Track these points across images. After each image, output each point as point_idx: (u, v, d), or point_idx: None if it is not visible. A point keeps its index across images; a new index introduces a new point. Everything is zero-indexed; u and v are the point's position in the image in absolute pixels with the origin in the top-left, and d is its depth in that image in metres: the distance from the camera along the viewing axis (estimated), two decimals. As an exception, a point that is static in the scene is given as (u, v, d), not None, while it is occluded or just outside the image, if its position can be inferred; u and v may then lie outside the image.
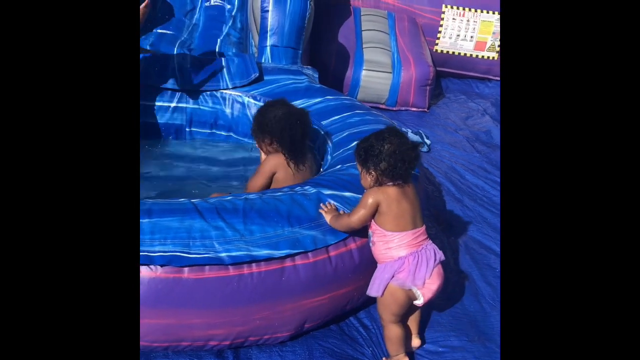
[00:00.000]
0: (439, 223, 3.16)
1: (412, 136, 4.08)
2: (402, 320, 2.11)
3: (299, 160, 2.56)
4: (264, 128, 2.58)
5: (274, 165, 2.54)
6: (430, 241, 2.08)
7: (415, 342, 2.19)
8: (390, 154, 1.97)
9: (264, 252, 1.96)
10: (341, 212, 2.17)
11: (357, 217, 2.04)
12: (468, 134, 4.42)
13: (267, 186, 2.55)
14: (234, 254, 1.93)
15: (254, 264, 1.96)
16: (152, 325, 1.93)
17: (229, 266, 1.93)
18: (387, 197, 1.99)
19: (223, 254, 1.92)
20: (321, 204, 2.19)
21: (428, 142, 4.12)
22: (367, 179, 2.04)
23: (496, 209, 3.36)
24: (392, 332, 2.08)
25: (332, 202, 2.21)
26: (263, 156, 2.69)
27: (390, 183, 2.00)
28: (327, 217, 2.14)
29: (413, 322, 2.20)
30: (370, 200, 2.00)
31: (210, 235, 1.96)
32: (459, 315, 2.46)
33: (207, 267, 1.91)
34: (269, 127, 2.56)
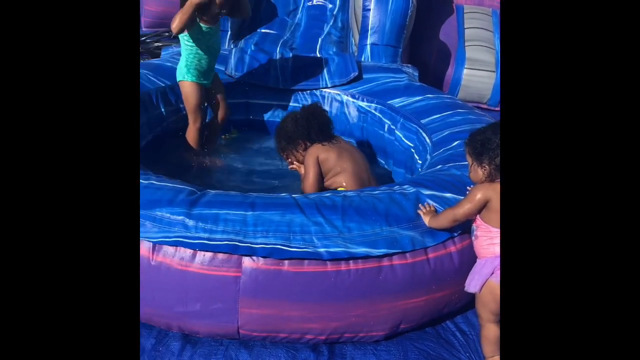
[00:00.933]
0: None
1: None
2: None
3: (334, 140, 2.80)
4: (291, 137, 2.80)
5: (314, 154, 2.72)
6: None
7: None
8: None
9: (362, 250, 1.97)
10: (434, 210, 2.13)
11: (463, 210, 1.99)
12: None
13: (321, 177, 2.72)
14: (332, 249, 1.96)
15: (351, 261, 1.97)
16: (251, 315, 2.00)
17: (327, 262, 1.95)
18: (497, 193, 1.91)
19: (322, 249, 1.95)
20: (420, 205, 2.16)
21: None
22: (478, 173, 1.96)
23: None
24: (491, 331, 2.01)
25: (431, 202, 2.17)
26: (296, 165, 2.90)
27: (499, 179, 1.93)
28: (426, 219, 2.11)
29: (491, 344, 2.06)
30: (479, 195, 1.94)
31: (309, 230, 1.99)
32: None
33: (306, 261, 1.95)
34: (293, 134, 2.79)
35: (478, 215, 2.00)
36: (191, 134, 3.21)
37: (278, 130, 2.92)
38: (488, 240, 1.96)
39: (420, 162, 2.98)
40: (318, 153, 2.72)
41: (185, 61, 3.09)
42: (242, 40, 4.14)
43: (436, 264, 2.05)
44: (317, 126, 2.79)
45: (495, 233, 1.94)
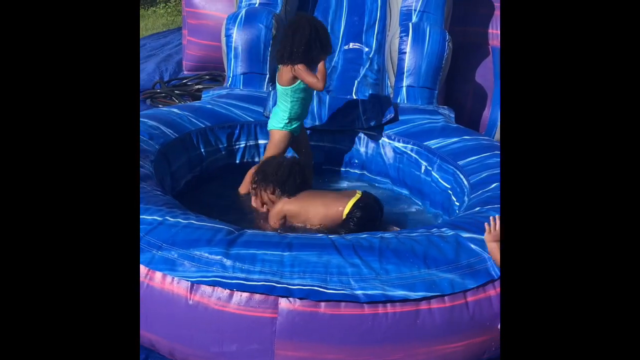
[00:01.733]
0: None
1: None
2: None
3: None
4: (266, 179, 2.88)
5: (281, 210, 2.87)
6: None
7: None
8: None
9: (400, 293, 1.95)
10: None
11: None
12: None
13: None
14: (369, 292, 1.94)
15: (389, 304, 1.94)
16: (287, 357, 1.99)
17: (364, 304, 1.94)
18: None
19: (359, 292, 1.94)
20: (490, 217, 1.93)
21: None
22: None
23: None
24: None
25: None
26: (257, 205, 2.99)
27: None
28: (488, 237, 1.88)
29: None
30: None
31: (346, 272, 1.99)
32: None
33: (343, 304, 1.94)
34: (271, 177, 2.86)
35: None
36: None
37: (260, 165, 3.02)
38: None
39: (457, 204, 2.95)
40: (286, 209, 2.83)
41: (284, 111, 3.22)
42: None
43: (475, 308, 2.00)
44: (294, 182, 2.85)
45: None
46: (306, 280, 1.96)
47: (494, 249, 1.86)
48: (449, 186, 3.13)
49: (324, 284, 1.95)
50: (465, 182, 2.91)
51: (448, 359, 2.05)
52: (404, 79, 4.00)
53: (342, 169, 3.72)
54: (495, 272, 2.06)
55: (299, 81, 3.12)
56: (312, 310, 1.94)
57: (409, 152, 3.47)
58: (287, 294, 1.94)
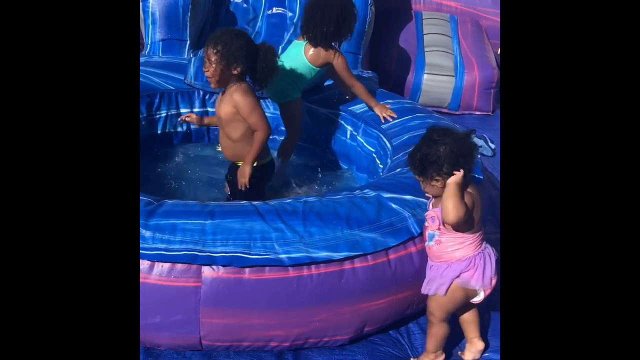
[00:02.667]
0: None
1: (476, 140, 3.97)
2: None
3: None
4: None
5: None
6: (485, 241, 2.04)
7: (479, 344, 2.13)
8: (449, 154, 1.84)
9: (323, 254, 1.97)
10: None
11: (464, 213, 1.85)
12: (535, 138, 4.26)
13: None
14: (293, 255, 1.95)
15: (313, 266, 1.96)
16: (213, 325, 1.98)
17: (289, 267, 1.95)
18: (472, 199, 1.91)
19: (283, 256, 1.94)
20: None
21: (492, 146, 4.00)
22: (435, 186, 1.90)
23: (566, 214, 3.21)
24: (441, 329, 2.04)
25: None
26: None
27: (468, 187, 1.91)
28: (452, 181, 1.84)
29: (472, 325, 2.13)
30: (468, 201, 1.87)
31: (270, 237, 1.98)
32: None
33: (267, 268, 1.94)
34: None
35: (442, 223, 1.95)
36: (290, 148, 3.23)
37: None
38: (454, 246, 1.94)
39: (381, 166, 3.00)
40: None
41: (302, 83, 3.08)
42: (202, 49, 4.11)
43: (397, 265, 2.06)
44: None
45: (466, 238, 1.94)
46: (229, 248, 1.94)
47: (454, 189, 1.84)
48: (373, 150, 3.17)
49: (247, 250, 1.94)
50: (388, 145, 2.96)
51: (373, 316, 2.11)
52: (328, 43, 3.97)
53: (271, 136, 3.67)
54: (415, 229, 2.11)
55: (327, 66, 3.00)
56: (237, 276, 1.93)
57: (334, 117, 3.47)
58: (210, 262, 1.91)
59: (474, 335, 2.14)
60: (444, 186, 1.87)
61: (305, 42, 3.02)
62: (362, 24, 3.96)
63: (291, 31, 4.30)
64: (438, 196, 1.93)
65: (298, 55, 3.06)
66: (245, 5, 4.43)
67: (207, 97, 3.51)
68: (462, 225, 1.91)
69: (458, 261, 1.95)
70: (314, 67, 3.05)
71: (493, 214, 3.15)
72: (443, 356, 2.09)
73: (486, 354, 2.18)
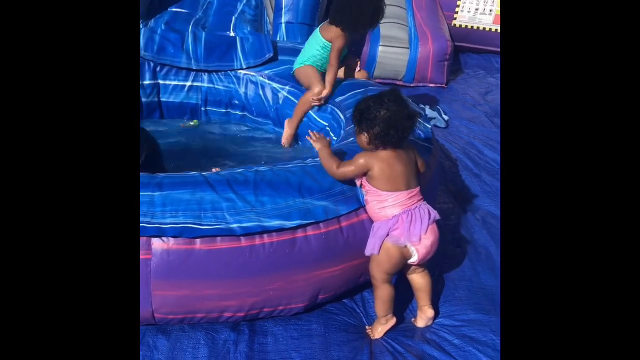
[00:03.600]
0: (456, 198, 3.11)
1: (429, 112, 4.02)
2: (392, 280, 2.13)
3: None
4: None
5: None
6: (425, 202, 2.08)
7: (429, 312, 2.18)
8: (385, 120, 1.98)
9: (275, 223, 1.96)
10: (329, 149, 2.15)
11: (343, 171, 2.07)
12: (487, 109, 4.34)
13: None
14: (245, 224, 1.93)
15: (265, 235, 1.95)
16: (166, 297, 1.95)
17: (241, 237, 1.93)
18: (379, 161, 2.02)
19: (234, 225, 1.93)
20: (310, 131, 2.24)
21: (446, 118, 4.06)
22: (361, 139, 2.07)
23: (515, 183, 3.30)
24: (385, 291, 2.08)
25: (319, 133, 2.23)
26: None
27: (382, 147, 2.02)
28: (317, 146, 2.16)
29: (423, 292, 2.18)
30: (361, 161, 2.03)
31: (221, 207, 1.96)
32: (475, 289, 2.43)
33: (218, 238, 1.92)
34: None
35: (365, 180, 2.07)
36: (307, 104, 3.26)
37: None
38: (379, 204, 2.03)
39: (335, 138, 3.00)
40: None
41: (305, 51, 3.27)
42: (152, 20, 3.98)
43: (349, 233, 2.07)
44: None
45: (385, 196, 2.01)
46: (179, 219, 1.91)
47: (321, 154, 2.13)
48: (326, 123, 3.17)
49: (198, 220, 1.91)
50: (342, 117, 2.96)
51: (327, 284, 2.13)
52: (283, 15, 3.93)
53: (223, 110, 3.62)
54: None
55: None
56: (187, 247, 1.90)
57: (285, 94, 3.44)
58: (160, 233, 1.88)
59: (424, 303, 2.19)
60: (369, 142, 2.03)
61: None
62: (317, -5, 3.92)
63: (244, 1, 4.22)
64: (364, 149, 2.08)
65: (316, 31, 3.25)
66: (196, -25, 4.31)
67: (157, 69, 3.42)
68: (382, 184, 2.01)
69: (386, 219, 2.01)
70: (322, 39, 3.16)
71: (446, 185, 3.21)
72: (394, 320, 2.13)
73: (438, 320, 2.24)
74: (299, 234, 1.99)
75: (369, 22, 3.08)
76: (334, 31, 3.10)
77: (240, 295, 2.00)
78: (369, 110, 2.01)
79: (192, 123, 3.58)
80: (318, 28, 3.24)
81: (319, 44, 3.20)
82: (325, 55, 3.19)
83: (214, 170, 2.27)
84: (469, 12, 5.18)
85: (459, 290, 2.41)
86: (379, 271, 2.05)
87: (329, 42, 3.14)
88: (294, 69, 3.35)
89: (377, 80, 4.13)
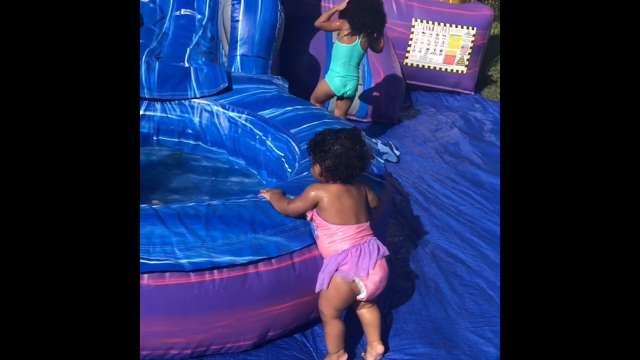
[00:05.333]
0: (406, 231, 3.17)
1: (381, 147, 4.11)
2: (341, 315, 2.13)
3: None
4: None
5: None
6: (375, 237, 2.11)
7: (379, 348, 2.18)
8: (337, 155, 2.02)
9: (226, 259, 1.94)
10: (281, 191, 2.22)
11: (294, 206, 2.10)
12: (437, 146, 4.47)
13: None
14: (195, 260, 1.90)
15: (215, 271, 1.92)
16: (110, 334, 1.88)
17: (190, 273, 1.89)
18: (329, 194, 2.05)
19: (184, 261, 1.89)
20: (260, 190, 2.27)
21: (397, 153, 4.15)
22: (314, 169, 2.11)
23: (463, 218, 3.39)
24: (334, 327, 2.08)
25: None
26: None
27: (332, 181, 2.06)
28: (267, 195, 2.20)
29: (373, 327, 2.18)
30: (311, 193, 2.06)
31: (171, 242, 1.92)
32: (424, 323, 2.46)
33: (167, 274, 1.88)
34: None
35: (315, 214, 2.09)
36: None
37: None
38: (329, 238, 2.05)
39: (290, 170, 3.02)
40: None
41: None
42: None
43: (301, 269, 2.07)
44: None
45: (334, 229, 2.03)
46: (127, 253, 1.85)
47: (271, 198, 2.18)
48: (282, 154, 3.19)
49: (146, 255, 1.87)
50: (297, 149, 2.98)
51: (277, 321, 2.10)
52: (238, 47, 3.96)
53: (176, 139, 3.59)
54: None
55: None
56: (134, 283, 1.85)
57: (243, 121, 3.45)
58: (106, 268, 1.82)
59: (373, 339, 2.19)
60: (321, 174, 2.08)
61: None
62: (272, 29, 3.98)
63: (200, 33, 4.23)
64: (316, 180, 2.13)
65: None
66: (152, 5, 4.30)
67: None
68: (331, 217, 2.03)
69: (335, 254, 2.03)
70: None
71: (397, 218, 3.27)
72: (345, 356, 2.12)
73: (388, 354, 2.24)
74: (251, 270, 1.97)
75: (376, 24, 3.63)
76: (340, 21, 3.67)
77: (188, 332, 1.95)
78: (324, 142, 2.06)
79: (177, 155, 3.53)
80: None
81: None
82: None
83: (153, 203, 2.24)
84: (420, 51, 5.37)
85: (408, 324, 2.43)
86: (328, 307, 2.05)
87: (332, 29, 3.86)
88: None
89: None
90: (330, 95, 3.85)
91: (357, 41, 3.64)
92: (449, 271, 2.84)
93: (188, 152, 3.59)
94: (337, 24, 3.67)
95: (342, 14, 3.66)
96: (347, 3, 3.60)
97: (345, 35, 3.64)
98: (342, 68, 3.71)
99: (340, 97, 3.82)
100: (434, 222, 3.30)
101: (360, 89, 4.64)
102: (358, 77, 3.81)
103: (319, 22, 3.71)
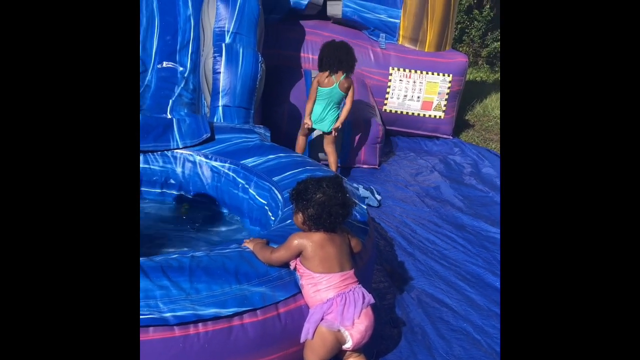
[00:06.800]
0: (391, 277, 3.17)
1: (363, 192, 4.15)
2: None
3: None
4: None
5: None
6: (360, 285, 2.11)
7: (367, 398, 2.14)
8: (320, 204, 2.05)
9: (211, 311, 1.91)
10: (264, 241, 2.21)
11: (278, 256, 2.10)
12: (418, 190, 4.53)
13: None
14: (179, 313, 1.87)
15: (200, 324, 1.89)
16: (91, 394, 1.82)
17: (174, 326, 1.86)
18: (312, 242, 2.06)
19: (168, 314, 1.86)
20: (244, 240, 2.26)
21: (379, 197, 4.19)
22: (297, 218, 2.13)
23: (447, 262, 3.40)
24: None
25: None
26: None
27: (315, 229, 2.08)
28: (250, 245, 2.19)
29: None
30: (294, 242, 2.07)
31: (154, 295, 1.90)
32: (413, 370, 2.43)
33: (151, 328, 1.84)
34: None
35: (299, 264, 2.09)
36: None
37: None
38: (313, 287, 2.04)
39: (273, 218, 3.02)
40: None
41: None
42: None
43: (287, 319, 2.05)
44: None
45: (319, 278, 2.03)
46: (109, 308, 1.82)
47: (254, 248, 2.17)
48: (265, 202, 3.20)
49: (129, 310, 1.84)
50: (280, 197, 3.00)
51: (264, 373, 2.06)
52: (220, 98, 4.02)
53: (158, 190, 3.58)
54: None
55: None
56: (117, 339, 1.81)
57: (226, 170, 3.47)
58: (87, 325, 1.78)
59: None
60: (304, 223, 2.09)
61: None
62: (254, 80, 4.07)
63: (182, 85, 4.30)
64: (299, 229, 2.14)
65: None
66: (134, 58, 4.37)
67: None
68: (315, 265, 2.03)
69: (320, 303, 2.02)
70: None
71: (381, 264, 3.27)
72: None
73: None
74: (235, 322, 1.95)
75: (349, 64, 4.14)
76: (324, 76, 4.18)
77: (173, 389, 1.90)
78: (306, 191, 2.08)
79: (186, 207, 3.51)
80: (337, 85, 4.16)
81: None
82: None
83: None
84: (398, 98, 5.51)
85: (396, 373, 2.40)
86: (313, 357, 2.02)
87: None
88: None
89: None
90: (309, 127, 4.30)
91: (335, 84, 4.13)
92: (436, 316, 2.83)
93: (170, 202, 3.58)
94: (315, 82, 4.20)
95: (319, 65, 4.19)
96: (320, 54, 4.18)
97: (325, 78, 4.14)
98: (320, 107, 4.20)
99: (328, 132, 4.27)
100: (419, 267, 3.31)
101: (341, 136, 4.72)
102: (337, 115, 4.23)
103: (307, 106, 4.29)
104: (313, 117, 4.24)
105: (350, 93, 4.19)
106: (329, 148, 4.33)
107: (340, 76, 4.13)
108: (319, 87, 4.18)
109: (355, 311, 2.00)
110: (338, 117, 4.22)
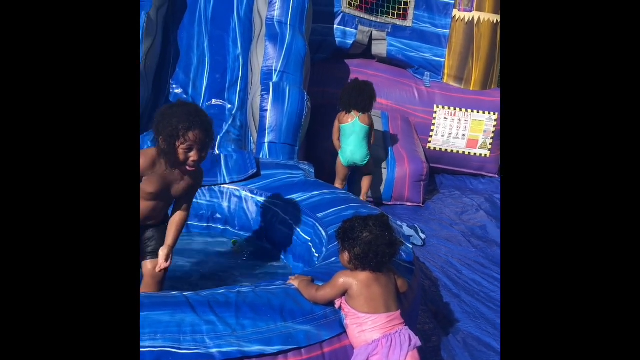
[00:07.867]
0: (437, 319, 3.09)
1: (407, 230, 4.10)
2: None
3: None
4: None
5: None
6: (407, 327, 2.06)
7: None
8: (367, 243, 2.03)
9: (256, 348, 1.90)
10: (309, 278, 2.20)
11: (323, 294, 2.08)
12: (463, 229, 4.45)
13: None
14: (225, 349, 1.87)
15: (245, 361, 1.89)
16: None
17: (220, 363, 1.86)
18: (358, 281, 2.03)
19: (214, 350, 1.87)
20: (289, 277, 2.25)
21: (423, 236, 4.13)
22: (343, 257, 2.11)
23: (494, 304, 3.30)
24: None
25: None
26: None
27: (361, 269, 2.05)
28: (296, 282, 2.18)
29: None
30: (340, 281, 2.05)
31: (201, 330, 1.91)
32: (460, 418, 2.34)
33: (197, 364, 1.85)
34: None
35: (344, 303, 2.06)
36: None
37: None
38: (359, 328, 2.00)
39: (317, 255, 3.02)
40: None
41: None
42: (140, 137, 4.12)
43: (331, 359, 2.02)
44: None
45: (364, 318, 1.99)
46: (157, 342, 1.84)
47: (299, 286, 2.15)
48: (309, 238, 3.20)
49: (176, 344, 1.85)
50: (324, 234, 3.00)
51: (307, 413, 2.02)
52: (266, 135, 4.11)
53: (204, 224, 3.65)
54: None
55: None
56: (164, 373, 1.82)
57: (271, 206, 3.51)
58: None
59: None
60: (349, 262, 2.07)
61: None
62: (299, 118, 4.14)
63: (230, 122, 4.41)
64: (345, 267, 2.11)
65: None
66: (185, 96, 4.53)
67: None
68: (361, 305, 2.01)
69: (366, 344, 1.98)
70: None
71: (426, 304, 3.20)
72: None
73: None
74: (280, 359, 1.94)
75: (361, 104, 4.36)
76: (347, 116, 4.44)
77: None
78: (353, 230, 2.07)
79: (235, 243, 3.54)
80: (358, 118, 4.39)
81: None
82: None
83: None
84: (442, 136, 5.48)
85: (443, 420, 2.32)
86: None
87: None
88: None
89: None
90: (344, 167, 4.45)
91: (356, 118, 4.36)
92: (483, 361, 2.74)
93: (218, 236, 3.63)
94: (336, 120, 4.51)
95: (338, 105, 4.48)
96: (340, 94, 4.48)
97: (344, 117, 4.41)
98: (347, 143, 4.36)
99: (359, 169, 4.48)
100: (465, 309, 3.22)
101: (385, 173, 4.72)
102: (367, 150, 4.40)
103: (335, 144, 4.55)
104: (344, 153, 4.41)
105: (372, 132, 4.46)
106: (364, 180, 4.55)
107: (358, 114, 4.36)
108: (340, 125, 4.42)
109: (402, 354, 1.96)
110: (368, 152, 4.42)
